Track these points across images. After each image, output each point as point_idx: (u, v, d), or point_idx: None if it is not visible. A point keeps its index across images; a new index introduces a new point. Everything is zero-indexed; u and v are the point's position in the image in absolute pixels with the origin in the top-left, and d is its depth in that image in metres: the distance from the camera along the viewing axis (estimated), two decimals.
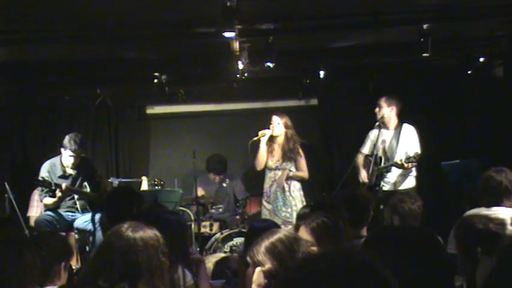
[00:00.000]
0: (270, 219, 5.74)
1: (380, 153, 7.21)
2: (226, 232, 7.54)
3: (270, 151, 7.40)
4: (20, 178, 8.03)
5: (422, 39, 5.96)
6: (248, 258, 2.95)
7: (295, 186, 7.38)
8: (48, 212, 6.67)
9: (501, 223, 3.63)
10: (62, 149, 6.72)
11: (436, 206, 7.15)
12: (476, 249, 3.50)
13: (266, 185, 7.42)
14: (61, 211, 6.75)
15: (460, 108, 8.67)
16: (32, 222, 7.31)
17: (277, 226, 4.14)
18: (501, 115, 8.12)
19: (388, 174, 7.12)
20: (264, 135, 7.33)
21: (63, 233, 6.51)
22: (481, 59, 7.61)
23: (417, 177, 7.13)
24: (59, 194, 6.56)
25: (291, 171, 7.35)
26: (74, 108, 9.14)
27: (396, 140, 7.13)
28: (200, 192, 8.24)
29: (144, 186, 8.08)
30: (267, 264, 2.85)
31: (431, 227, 4.46)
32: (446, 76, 8.52)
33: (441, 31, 6.22)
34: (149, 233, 2.88)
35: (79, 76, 7.78)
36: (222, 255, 6.76)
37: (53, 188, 6.51)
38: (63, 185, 6.54)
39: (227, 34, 5.19)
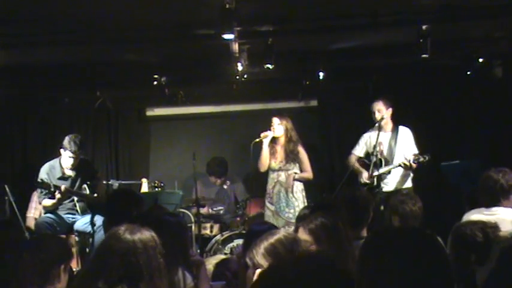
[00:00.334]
0: (269, 222, 5.72)
1: (379, 156, 7.21)
2: (226, 234, 7.53)
3: (272, 152, 7.42)
4: (20, 180, 8.02)
5: (421, 40, 5.96)
6: (247, 260, 2.94)
7: (298, 187, 7.40)
8: (49, 214, 6.68)
9: (494, 226, 3.64)
10: (62, 150, 6.73)
11: (436, 206, 7.14)
12: (469, 257, 3.51)
13: (269, 186, 7.43)
14: (61, 213, 6.75)
15: (459, 109, 8.66)
16: (29, 222, 7.31)
17: (276, 229, 4.13)
18: (500, 115, 8.12)
19: (388, 176, 7.14)
20: (266, 136, 7.35)
21: (63, 235, 6.52)
22: (480, 60, 7.61)
23: (414, 178, 7.16)
24: (58, 195, 6.56)
25: (296, 173, 7.38)
26: (74, 111, 9.14)
27: (394, 142, 7.15)
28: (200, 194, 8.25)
29: (144, 188, 8.08)
30: (267, 265, 2.84)
31: (431, 228, 4.46)
32: (446, 77, 8.51)
33: (440, 32, 6.21)
34: (146, 234, 2.90)
35: (79, 79, 7.77)
36: (223, 256, 6.75)
37: (52, 189, 6.51)
38: (62, 187, 6.54)
39: (226, 36, 5.19)
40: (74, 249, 6.58)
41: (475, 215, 4.41)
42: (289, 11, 5.66)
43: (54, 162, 6.85)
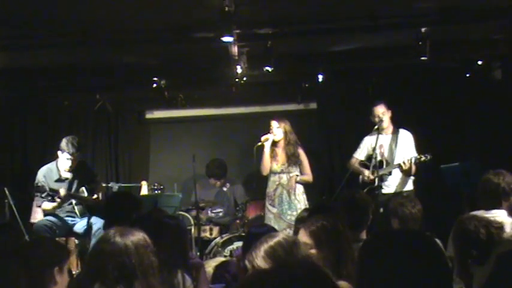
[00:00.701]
0: (269, 225, 5.71)
1: (379, 158, 7.23)
2: (226, 236, 7.53)
3: (273, 155, 7.42)
4: (20, 183, 8.02)
5: (420, 43, 5.97)
6: (247, 262, 2.93)
7: (299, 189, 7.41)
8: (48, 217, 6.66)
9: (500, 226, 3.62)
10: (59, 152, 6.71)
11: (435, 209, 7.13)
12: (471, 252, 3.50)
13: (270, 189, 7.42)
14: (61, 215, 6.73)
15: (458, 111, 8.66)
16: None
17: (276, 231, 4.13)
18: (500, 117, 8.12)
19: (389, 178, 7.15)
20: (267, 139, 7.35)
21: (63, 238, 6.52)
22: (480, 62, 7.61)
23: (415, 181, 7.16)
24: (58, 200, 6.55)
25: (297, 175, 7.39)
26: (74, 114, 9.14)
27: (395, 145, 7.16)
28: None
29: (144, 190, 8.08)
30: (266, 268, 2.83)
31: (431, 231, 4.46)
32: (445, 79, 8.51)
33: (439, 34, 6.21)
34: (137, 235, 2.94)
35: (79, 81, 7.78)
36: (222, 259, 6.74)
37: (49, 193, 6.50)
38: (62, 191, 6.53)
39: (226, 39, 5.19)
40: (73, 252, 6.59)
41: None
42: (289, 14, 5.67)
43: (51, 165, 6.84)
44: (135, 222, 3.95)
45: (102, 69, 7.40)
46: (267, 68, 6.25)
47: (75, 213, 6.77)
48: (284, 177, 7.38)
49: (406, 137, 7.22)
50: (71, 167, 6.72)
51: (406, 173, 7.00)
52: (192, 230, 7.79)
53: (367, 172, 7.16)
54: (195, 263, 4.26)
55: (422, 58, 6.05)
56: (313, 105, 9.43)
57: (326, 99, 9.25)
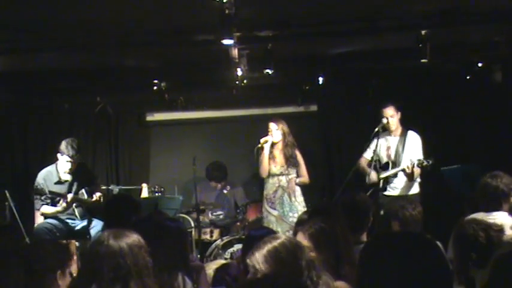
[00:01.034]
0: (268, 227, 5.71)
1: (386, 159, 7.24)
2: (226, 238, 7.53)
3: (272, 157, 7.41)
4: (20, 186, 8.02)
5: (420, 45, 5.97)
6: (249, 262, 2.91)
7: (298, 191, 7.42)
8: (48, 220, 6.66)
9: (499, 229, 3.63)
10: (59, 155, 6.71)
11: (436, 211, 7.13)
12: (470, 256, 3.50)
13: (270, 191, 7.41)
14: (62, 218, 6.73)
15: (459, 113, 8.66)
16: None
17: (275, 233, 4.13)
18: (500, 120, 8.12)
19: (395, 180, 7.13)
20: (266, 142, 7.35)
21: (64, 241, 6.51)
22: (480, 64, 7.62)
23: (421, 183, 7.15)
24: (63, 204, 6.55)
25: (296, 177, 7.41)
26: (74, 116, 9.14)
27: (402, 147, 7.15)
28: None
29: (145, 193, 8.08)
30: (268, 269, 2.82)
31: (431, 233, 4.46)
32: (445, 81, 8.51)
33: (440, 36, 6.21)
34: (131, 236, 2.96)
35: (79, 84, 7.78)
36: (223, 261, 6.73)
37: (48, 195, 6.50)
38: (69, 196, 6.53)
39: (226, 41, 5.18)
40: (74, 255, 6.59)
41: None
42: (289, 16, 5.67)
43: (51, 167, 6.85)
44: (135, 224, 3.95)
45: (102, 72, 7.40)
46: (267, 70, 6.25)
47: (75, 215, 6.77)
48: (283, 180, 7.38)
49: (413, 139, 7.19)
50: (70, 169, 6.72)
51: (409, 177, 6.99)
52: (193, 233, 7.79)
53: (373, 174, 7.16)
54: (195, 265, 4.26)
55: (423, 60, 6.04)
56: (313, 108, 9.44)
57: (326, 101, 9.26)
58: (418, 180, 7.12)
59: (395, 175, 7.11)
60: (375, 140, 7.27)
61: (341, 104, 9.18)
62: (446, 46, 6.90)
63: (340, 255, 3.38)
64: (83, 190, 6.80)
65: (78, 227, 6.75)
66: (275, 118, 7.56)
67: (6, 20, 5.19)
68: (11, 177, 8.47)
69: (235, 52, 6.09)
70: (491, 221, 3.94)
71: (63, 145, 6.69)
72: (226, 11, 4.55)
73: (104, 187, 7.66)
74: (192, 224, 7.91)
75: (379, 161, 7.33)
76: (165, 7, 5.10)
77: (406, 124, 7.35)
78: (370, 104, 8.47)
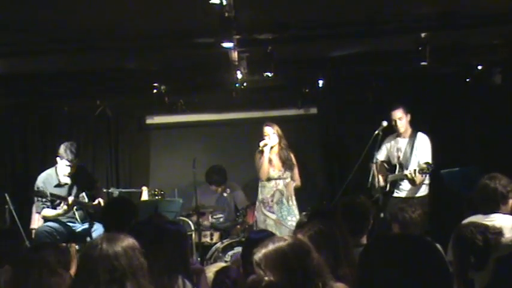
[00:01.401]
0: (267, 230, 5.70)
1: (395, 161, 7.25)
2: (226, 241, 7.53)
3: (269, 161, 7.42)
4: (20, 189, 8.02)
5: (420, 48, 5.97)
6: (255, 257, 2.90)
7: (293, 195, 7.45)
8: (49, 223, 6.65)
9: (497, 232, 3.63)
10: (58, 159, 6.71)
11: (436, 213, 7.13)
12: (468, 258, 3.51)
13: (267, 195, 7.41)
14: (63, 220, 6.73)
15: (458, 116, 8.67)
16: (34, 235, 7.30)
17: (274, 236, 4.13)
18: (500, 122, 8.13)
19: (402, 182, 7.13)
20: (266, 145, 7.36)
21: (64, 244, 6.51)
22: (480, 67, 7.62)
23: (430, 185, 7.13)
24: (64, 207, 6.55)
25: (293, 181, 7.43)
26: (74, 119, 9.14)
27: (410, 149, 7.15)
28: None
29: (145, 196, 8.08)
30: (274, 275, 2.81)
31: (431, 235, 4.46)
32: (445, 84, 8.52)
33: (439, 39, 6.22)
34: (124, 239, 2.99)
35: (78, 87, 7.78)
36: (223, 264, 6.73)
37: (49, 198, 6.50)
38: (70, 199, 6.53)
39: (226, 44, 5.19)
40: (74, 258, 6.59)
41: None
42: (289, 19, 5.67)
43: (50, 170, 6.84)
44: (135, 227, 3.95)
45: (102, 75, 7.40)
46: (267, 73, 6.25)
47: (76, 218, 6.76)
48: (281, 183, 7.39)
49: (422, 142, 7.18)
50: (70, 172, 6.72)
51: (412, 184, 6.98)
52: (193, 235, 7.79)
53: (380, 179, 7.18)
54: (195, 268, 4.26)
55: (423, 63, 6.05)
56: (313, 110, 9.44)
57: (326, 104, 9.26)
58: (427, 182, 7.10)
59: (401, 178, 7.10)
60: (388, 141, 7.30)
61: (341, 107, 9.18)
62: (446, 49, 6.90)
63: (338, 257, 3.38)
64: (83, 193, 6.80)
65: (78, 230, 6.74)
66: (269, 122, 7.57)
67: (5, 21, 5.20)
68: (11, 180, 8.48)
69: (235, 55, 6.10)
70: (490, 223, 3.95)
71: (62, 149, 6.69)
72: (226, 14, 4.55)
73: (104, 190, 7.66)
74: (192, 227, 7.91)
75: (389, 162, 7.35)
76: (165, 10, 5.11)
77: None
78: (370, 107, 8.48)
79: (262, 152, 7.37)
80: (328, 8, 5.41)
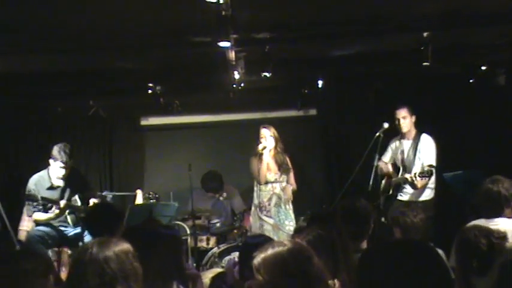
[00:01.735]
0: (265, 235, 5.70)
1: (399, 163, 7.25)
2: (223, 246, 7.52)
3: (266, 164, 7.42)
4: (11, 192, 8.01)
5: (422, 48, 5.97)
6: (255, 262, 2.90)
7: (291, 199, 7.46)
8: (40, 227, 6.64)
9: (502, 236, 3.63)
10: (51, 160, 6.68)
11: (439, 218, 7.14)
12: (471, 263, 3.50)
13: (264, 199, 7.41)
14: (55, 224, 6.71)
15: (461, 118, 8.66)
16: (21, 235, 7.28)
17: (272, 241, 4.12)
18: (504, 124, 8.13)
19: (406, 185, 7.12)
20: (264, 148, 7.36)
21: (56, 249, 6.51)
22: (483, 68, 7.63)
23: (436, 188, 7.13)
24: (56, 211, 6.54)
25: (291, 185, 7.43)
26: (67, 120, 9.14)
27: (414, 151, 7.14)
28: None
29: (139, 199, 8.06)
30: (273, 280, 2.81)
31: (434, 240, 4.46)
32: (448, 85, 8.52)
33: (442, 39, 6.22)
34: (118, 243, 2.98)
35: (72, 87, 7.78)
36: (219, 270, 6.73)
37: (40, 202, 6.48)
38: (62, 202, 6.51)
39: (222, 44, 5.18)
40: (66, 263, 6.58)
41: None
42: (287, 18, 5.67)
43: (43, 173, 6.82)
44: (128, 232, 3.94)
45: (96, 75, 7.39)
46: (265, 73, 6.25)
47: (68, 222, 6.75)
48: (278, 187, 7.40)
49: (426, 143, 7.17)
50: (64, 175, 6.71)
51: (413, 187, 6.97)
52: (188, 240, 7.78)
53: (383, 182, 7.20)
54: (191, 274, 4.25)
55: (425, 63, 6.05)
56: (313, 112, 9.45)
57: (326, 105, 9.26)
58: (432, 185, 7.09)
59: (404, 182, 7.10)
60: (393, 142, 7.31)
61: (341, 108, 9.18)
62: (449, 49, 6.91)
63: (338, 262, 3.38)
64: (76, 196, 6.78)
65: (70, 234, 6.73)
66: (266, 124, 7.57)
67: None
68: (2, 183, 8.47)
69: (232, 55, 6.09)
70: (494, 227, 3.94)
71: (56, 150, 6.66)
72: (223, 13, 4.55)
73: (97, 193, 7.64)
74: (188, 232, 7.91)
75: (395, 164, 7.36)
76: (161, 9, 5.11)
77: None
78: (371, 108, 8.48)
79: (260, 155, 7.36)
80: (327, 7, 5.40)
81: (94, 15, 5.21)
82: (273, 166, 7.42)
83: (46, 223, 6.66)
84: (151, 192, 8.13)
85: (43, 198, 6.50)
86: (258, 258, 2.87)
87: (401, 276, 1.92)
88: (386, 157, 7.43)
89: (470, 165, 7.45)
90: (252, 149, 7.50)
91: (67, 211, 6.68)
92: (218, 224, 8.31)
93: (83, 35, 5.72)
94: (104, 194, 7.94)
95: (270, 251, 2.87)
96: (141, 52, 6.44)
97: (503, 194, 4.53)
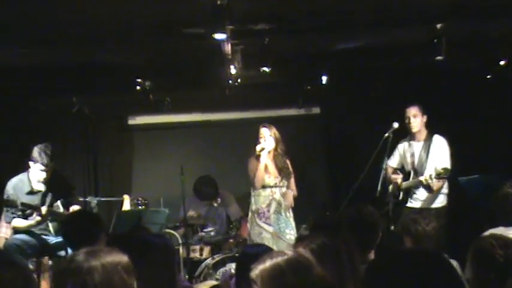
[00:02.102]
0: (264, 244, 5.70)
1: (409, 167, 7.24)
2: (218, 257, 7.51)
3: (264, 167, 7.40)
4: None
5: (435, 41, 5.98)
6: (252, 274, 2.90)
7: (291, 206, 7.46)
8: (18, 236, 6.62)
9: None
10: (31, 163, 6.66)
11: (453, 225, 7.14)
12: (487, 275, 3.50)
13: (262, 205, 7.38)
14: (36, 232, 6.70)
15: (478, 117, 8.68)
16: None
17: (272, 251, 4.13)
18: None
19: (417, 191, 7.12)
20: (263, 149, 7.33)
21: (34, 259, 6.49)
22: (502, 62, 7.63)
23: (449, 195, 7.13)
24: (37, 218, 6.52)
25: (291, 190, 7.43)
26: (49, 120, 9.13)
27: (426, 153, 7.13)
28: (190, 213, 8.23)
29: (126, 206, 8.05)
30: None
31: (448, 250, 4.46)
32: (463, 81, 8.54)
33: (457, 31, 6.23)
34: (108, 254, 2.97)
35: (53, 83, 7.77)
36: (214, 283, 6.73)
37: (20, 208, 6.47)
38: (43, 209, 6.50)
39: (218, 36, 5.19)
40: (46, 273, 6.57)
41: None
42: (288, 7, 5.68)
43: (22, 176, 6.80)
44: (113, 241, 3.93)
45: (79, 70, 7.39)
46: (264, 68, 6.27)
47: (49, 230, 6.74)
48: (277, 192, 7.37)
49: (439, 145, 7.15)
50: (45, 178, 6.70)
51: (428, 190, 6.97)
52: (180, 250, 7.78)
53: (390, 187, 7.20)
54: (183, 287, 4.25)
55: (438, 58, 6.07)
56: (315, 110, 9.47)
57: (330, 103, 9.28)
58: (445, 191, 7.09)
59: (416, 186, 7.09)
60: (401, 145, 7.30)
61: (346, 106, 9.19)
62: (464, 42, 6.92)
63: (343, 274, 3.38)
64: (58, 202, 6.77)
65: (52, 243, 6.72)
66: (266, 123, 7.53)
67: None
68: None
69: (228, 48, 6.10)
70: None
71: (36, 152, 6.65)
72: (218, 2, 4.57)
73: (81, 199, 7.63)
74: (180, 241, 7.91)
75: (403, 169, 7.35)
76: None
77: None
78: (377, 106, 8.48)
79: (258, 157, 7.33)
80: None
81: (77, 5, 5.21)
82: (273, 169, 7.38)
83: (26, 231, 6.65)
84: (139, 198, 8.12)
85: (22, 204, 6.48)
86: (256, 270, 2.87)
87: (411, 286, 1.92)
88: (394, 161, 7.41)
89: (486, 168, 7.46)
90: (250, 150, 7.48)
91: (49, 218, 6.68)
92: (212, 233, 8.29)
93: (63, 25, 5.71)
94: (88, 199, 7.94)
95: (268, 263, 2.88)
96: (129, 44, 6.44)
97: None
